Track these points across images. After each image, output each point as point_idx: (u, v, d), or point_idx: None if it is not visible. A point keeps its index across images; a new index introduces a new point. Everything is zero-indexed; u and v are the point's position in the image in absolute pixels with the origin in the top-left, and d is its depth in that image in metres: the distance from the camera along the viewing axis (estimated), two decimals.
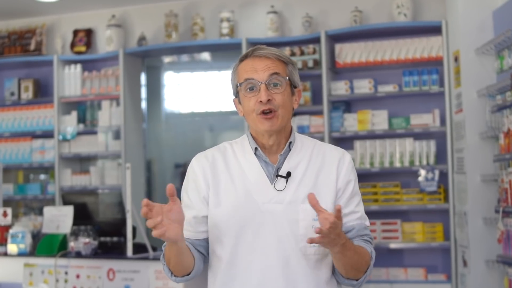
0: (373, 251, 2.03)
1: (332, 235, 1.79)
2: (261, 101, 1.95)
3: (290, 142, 2.03)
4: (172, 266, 1.94)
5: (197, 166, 2.04)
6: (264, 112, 1.96)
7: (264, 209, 1.95)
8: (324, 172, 2.01)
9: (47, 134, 6.08)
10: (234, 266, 1.95)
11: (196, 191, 2.01)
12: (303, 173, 1.99)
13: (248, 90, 1.98)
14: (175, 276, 1.97)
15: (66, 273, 4.22)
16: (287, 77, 2.00)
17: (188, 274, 1.97)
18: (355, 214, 2.04)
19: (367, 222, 2.07)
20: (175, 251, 1.89)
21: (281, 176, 1.98)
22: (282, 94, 1.98)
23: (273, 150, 2.03)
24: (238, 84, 2.01)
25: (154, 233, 1.76)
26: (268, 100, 1.95)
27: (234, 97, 2.08)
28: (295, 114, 5.43)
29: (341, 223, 1.82)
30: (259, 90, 1.96)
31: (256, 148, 2.02)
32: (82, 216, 4.43)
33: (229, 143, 2.11)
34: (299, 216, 1.95)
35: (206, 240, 2.04)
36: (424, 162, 5.11)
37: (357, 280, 1.98)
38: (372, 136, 5.26)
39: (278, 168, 2.00)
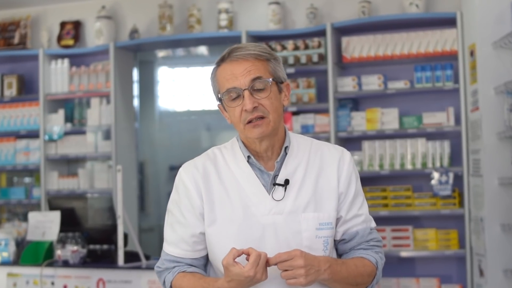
0: (378, 259, 2.03)
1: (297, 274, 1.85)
2: (246, 110, 1.93)
3: (286, 147, 2.02)
4: None
5: (188, 179, 2.01)
6: (251, 121, 1.94)
7: (264, 221, 1.94)
8: (324, 175, 2.00)
9: (32, 134, 6.09)
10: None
11: (191, 208, 1.99)
12: (302, 179, 1.98)
13: (232, 99, 1.96)
14: None
15: (52, 283, 4.23)
16: (271, 79, 1.97)
17: None
18: (358, 218, 2.03)
19: (373, 224, 2.06)
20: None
21: (279, 185, 1.97)
22: (269, 97, 1.95)
23: (268, 155, 2.01)
24: (219, 95, 1.99)
25: (266, 273, 1.84)
26: (255, 107, 1.93)
27: (218, 103, 2.05)
28: (299, 112, 5.44)
29: (297, 261, 1.85)
30: (243, 97, 1.94)
31: (248, 156, 2.00)
32: (70, 222, 4.44)
33: (218, 148, 2.08)
34: (301, 226, 1.94)
35: (205, 258, 2.04)
36: (438, 164, 5.11)
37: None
38: (381, 136, 5.26)
39: (275, 176, 1.98)
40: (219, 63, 2.01)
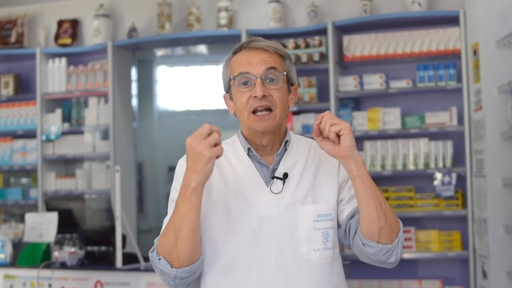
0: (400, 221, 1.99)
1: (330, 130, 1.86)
2: (255, 97, 1.95)
3: (286, 141, 2.04)
4: (181, 242, 1.85)
5: None
6: (257, 111, 1.95)
7: (261, 214, 1.95)
8: (323, 170, 2.02)
9: (29, 134, 6.09)
10: (230, 277, 1.95)
11: None
12: (301, 174, 2.00)
13: (242, 84, 1.98)
14: (176, 267, 1.89)
15: (49, 285, 4.23)
16: (285, 73, 2.01)
17: (194, 263, 1.90)
18: None
19: None
20: (196, 209, 1.85)
21: (277, 178, 1.99)
22: (279, 90, 1.98)
23: (267, 151, 2.04)
24: (231, 78, 2.00)
25: (217, 150, 1.81)
26: (264, 96, 1.95)
27: (225, 93, 2.08)
28: (299, 112, 5.44)
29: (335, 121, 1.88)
30: (254, 85, 1.96)
31: (249, 149, 2.03)
32: (67, 223, 4.44)
33: None
34: (298, 219, 1.95)
35: None
36: (440, 164, 5.11)
37: (391, 243, 1.92)
38: (383, 136, 5.26)
39: (274, 169, 2.01)
40: (236, 51, 2.04)
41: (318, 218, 1.96)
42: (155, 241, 2.00)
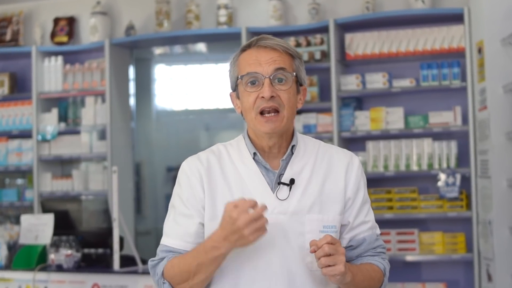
0: (385, 266, 2.05)
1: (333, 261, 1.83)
2: (263, 97, 1.94)
3: (293, 146, 2.02)
4: (195, 283, 1.92)
5: (191, 171, 2.01)
6: (264, 112, 1.94)
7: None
8: (331, 178, 2.01)
9: (25, 134, 6.08)
10: (234, 286, 1.95)
11: (194, 199, 1.99)
12: (308, 180, 1.99)
13: (250, 84, 1.97)
14: None
15: None
16: (294, 73, 2.00)
17: None
18: (365, 225, 2.05)
19: (378, 231, 2.09)
20: (219, 264, 1.89)
21: (284, 184, 1.97)
22: (288, 91, 1.97)
23: (274, 154, 2.02)
24: (239, 77, 1.99)
25: (255, 236, 1.81)
26: (272, 96, 1.94)
27: (232, 91, 2.07)
28: (300, 112, 5.44)
29: (338, 249, 1.85)
30: (262, 84, 1.95)
31: (254, 153, 2.01)
32: (64, 225, 4.44)
33: (223, 145, 2.09)
34: (305, 228, 1.94)
35: None
36: (444, 165, 5.11)
37: None
38: (386, 136, 5.26)
39: (280, 175, 1.99)
40: (244, 49, 2.03)
41: (324, 229, 1.96)
42: (158, 252, 2.01)
